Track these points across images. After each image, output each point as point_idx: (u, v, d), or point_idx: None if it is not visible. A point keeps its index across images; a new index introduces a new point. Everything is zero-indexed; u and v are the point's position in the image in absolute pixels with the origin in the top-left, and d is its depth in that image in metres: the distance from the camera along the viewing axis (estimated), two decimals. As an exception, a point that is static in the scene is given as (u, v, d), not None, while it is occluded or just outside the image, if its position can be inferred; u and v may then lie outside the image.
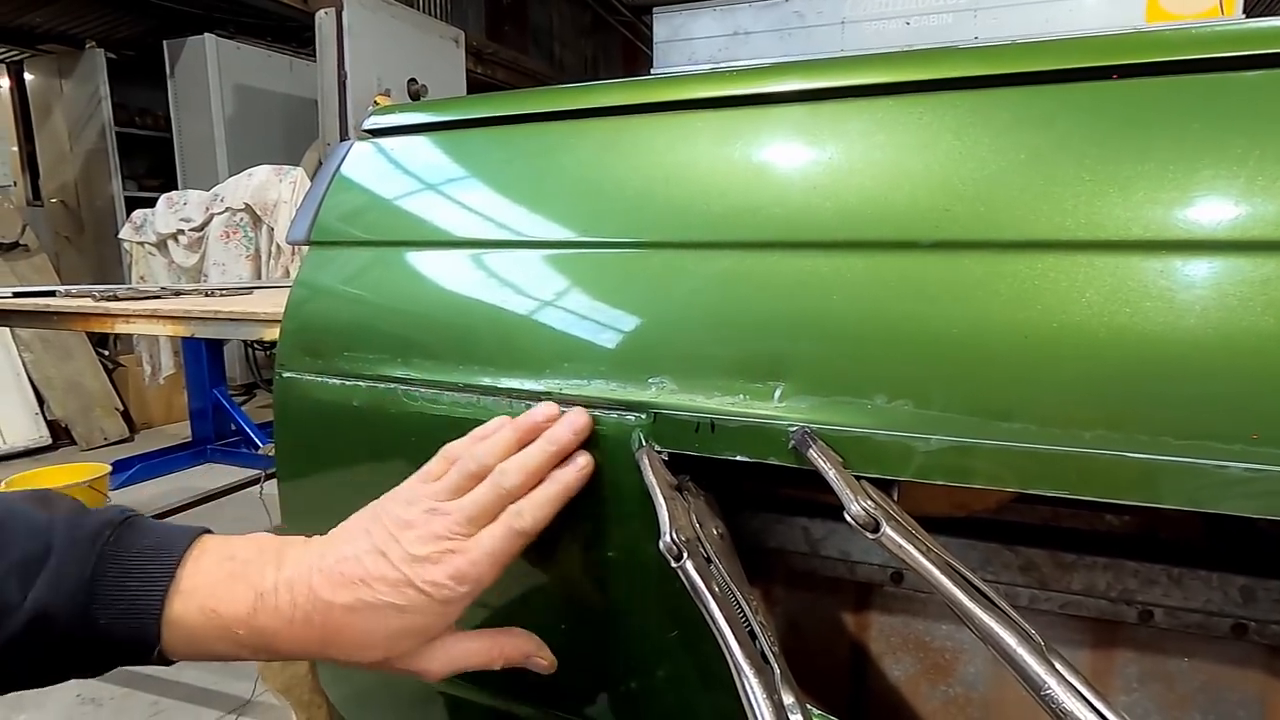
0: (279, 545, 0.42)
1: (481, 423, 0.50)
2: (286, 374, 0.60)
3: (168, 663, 0.39)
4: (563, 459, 0.45)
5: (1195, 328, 0.35)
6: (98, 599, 0.37)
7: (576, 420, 0.46)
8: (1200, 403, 0.35)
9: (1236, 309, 0.34)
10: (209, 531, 0.42)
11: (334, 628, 0.39)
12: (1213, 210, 0.36)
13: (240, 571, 0.39)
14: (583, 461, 0.45)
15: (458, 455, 0.46)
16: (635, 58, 8.17)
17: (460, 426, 0.51)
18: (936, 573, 0.32)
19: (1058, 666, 0.29)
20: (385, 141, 0.63)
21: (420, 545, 0.40)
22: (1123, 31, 0.41)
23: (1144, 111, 0.39)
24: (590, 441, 0.47)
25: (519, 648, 0.46)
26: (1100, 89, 0.40)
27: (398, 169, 0.61)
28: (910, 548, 0.33)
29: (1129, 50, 0.40)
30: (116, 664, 0.39)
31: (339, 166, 0.63)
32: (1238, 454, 0.33)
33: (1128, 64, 0.39)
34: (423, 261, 0.57)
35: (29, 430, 3.75)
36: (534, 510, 0.43)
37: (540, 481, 0.44)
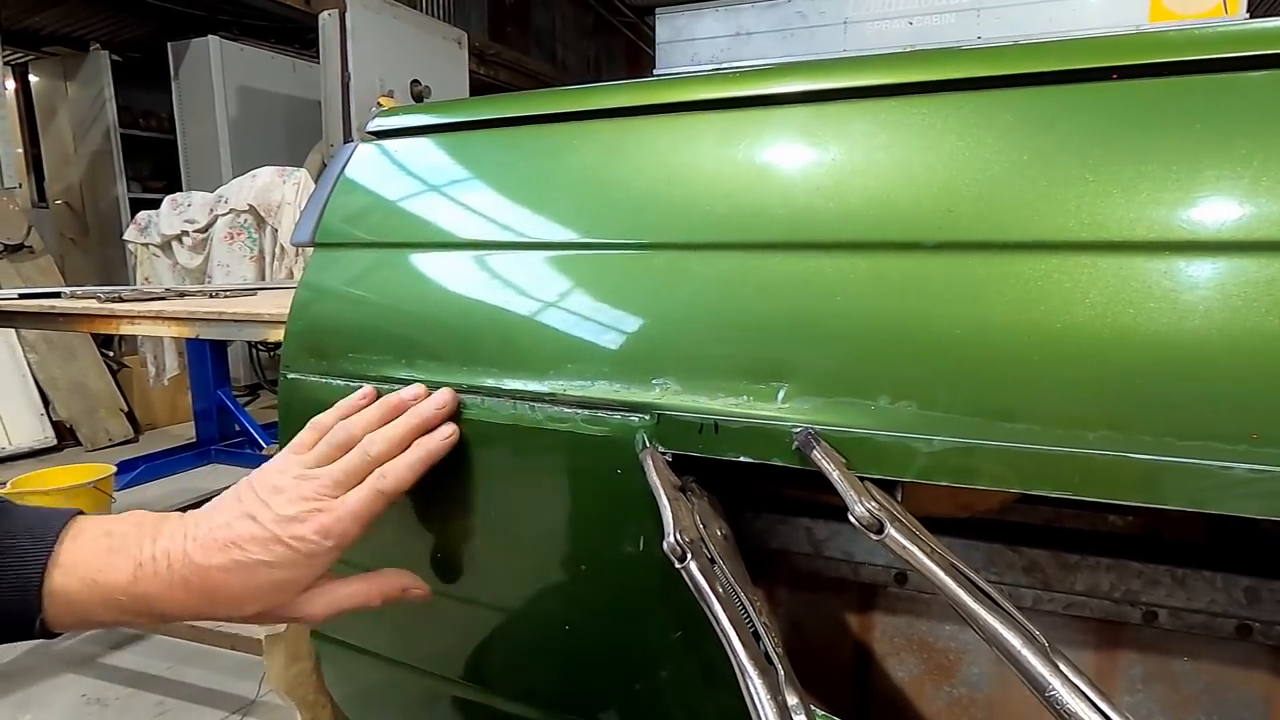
0: (156, 520, 0.45)
1: (488, 424, 0.50)
2: (291, 375, 0.60)
3: (50, 635, 0.41)
4: (428, 430, 0.49)
5: (1199, 329, 0.35)
6: None
7: (440, 397, 0.50)
8: (1204, 404, 0.35)
9: (1240, 310, 0.34)
10: (82, 513, 0.44)
11: (210, 588, 0.42)
12: (1216, 211, 0.36)
13: (119, 545, 0.42)
14: (446, 431, 0.49)
15: (326, 427, 0.50)
16: (638, 58, 8.18)
17: (465, 428, 0.51)
18: (940, 574, 0.32)
19: (1062, 668, 0.29)
20: (389, 143, 0.63)
21: (289, 506, 0.44)
22: (1125, 32, 0.41)
23: (1147, 112, 0.39)
24: (593, 442, 0.47)
25: (393, 583, 0.49)
26: (1103, 89, 0.40)
27: (402, 171, 0.61)
28: (914, 549, 0.33)
29: (1132, 51, 0.40)
30: None
31: (343, 168, 0.63)
32: (1242, 455, 0.33)
33: (1131, 64, 0.39)
34: (427, 263, 0.57)
35: (34, 431, 3.76)
36: (397, 473, 0.47)
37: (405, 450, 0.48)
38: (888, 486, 0.40)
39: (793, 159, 0.47)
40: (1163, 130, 0.38)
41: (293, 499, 0.45)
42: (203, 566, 0.42)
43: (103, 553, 0.42)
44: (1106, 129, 0.39)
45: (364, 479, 0.46)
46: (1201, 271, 0.36)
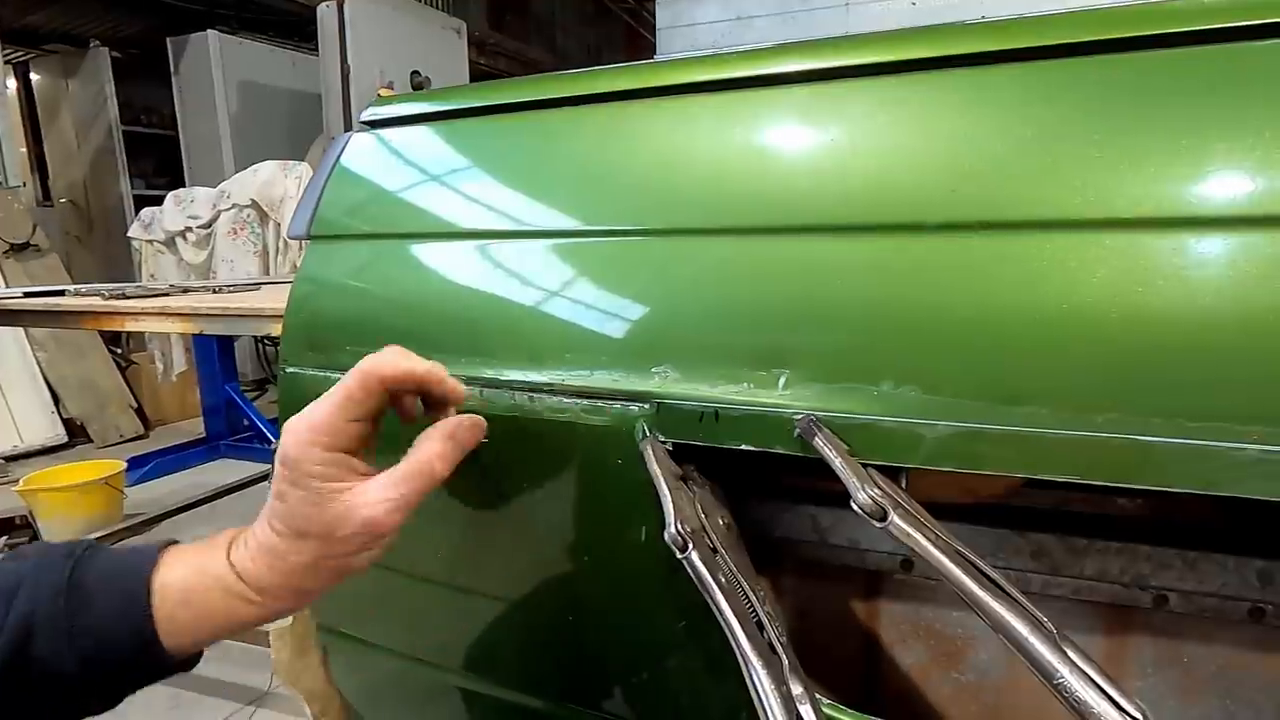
0: (241, 528, 0.44)
1: (487, 416, 0.50)
2: (290, 369, 0.60)
3: (169, 655, 0.40)
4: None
5: (1209, 307, 0.34)
6: (80, 595, 0.39)
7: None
8: (1215, 384, 0.34)
9: (1252, 287, 0.33)
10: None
11: (277, 557, 0.41)
12: (1228, 185, 0.35)
13: (214, 541, 0.43)
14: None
15: None
16: (638, 45, 8.11)
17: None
18: (946, 561, 0.32)
19: (1071, 654, 0.28)
20: (385, 133, 0.62)
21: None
22: (1133, 2, 0.40)
23: (1155, 85, 0.38)
24: (593, 432, 0.47)
25: (437, 438, 0.44)
26: (1110, 62, 0.39)
27: (397, 160, 0.61)
28: (919, 536, 0.33)
29: (1140, 22, 0.39)
30: (115, 666, 0.39)
31: (338, 159, 0.62)
32: (1253, 436, 0.33)
33: (1138, 36, 0.38)
34: (424, 254, 0.56)
35: (45, 428, 3.79)
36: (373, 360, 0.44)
37: None
38: (892, 473, 0.40)
39: (791, 141, 0.46)
40: (1171, 103, 0.37)
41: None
42: (259, 536, 0.42)
43: (201, 550, 0.42)
44: (1113, 103, 0.38)
45: None
46: (1212, 248, 0.35)
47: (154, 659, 0.40)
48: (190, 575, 0.41)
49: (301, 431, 0.41)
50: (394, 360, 0.43)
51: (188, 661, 0.42)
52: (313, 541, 0.41)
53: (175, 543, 0.43)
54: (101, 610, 0.39)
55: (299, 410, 0.61)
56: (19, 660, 0.37)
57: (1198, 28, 0.37)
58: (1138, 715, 0.26)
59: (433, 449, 0.43)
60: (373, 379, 0.42)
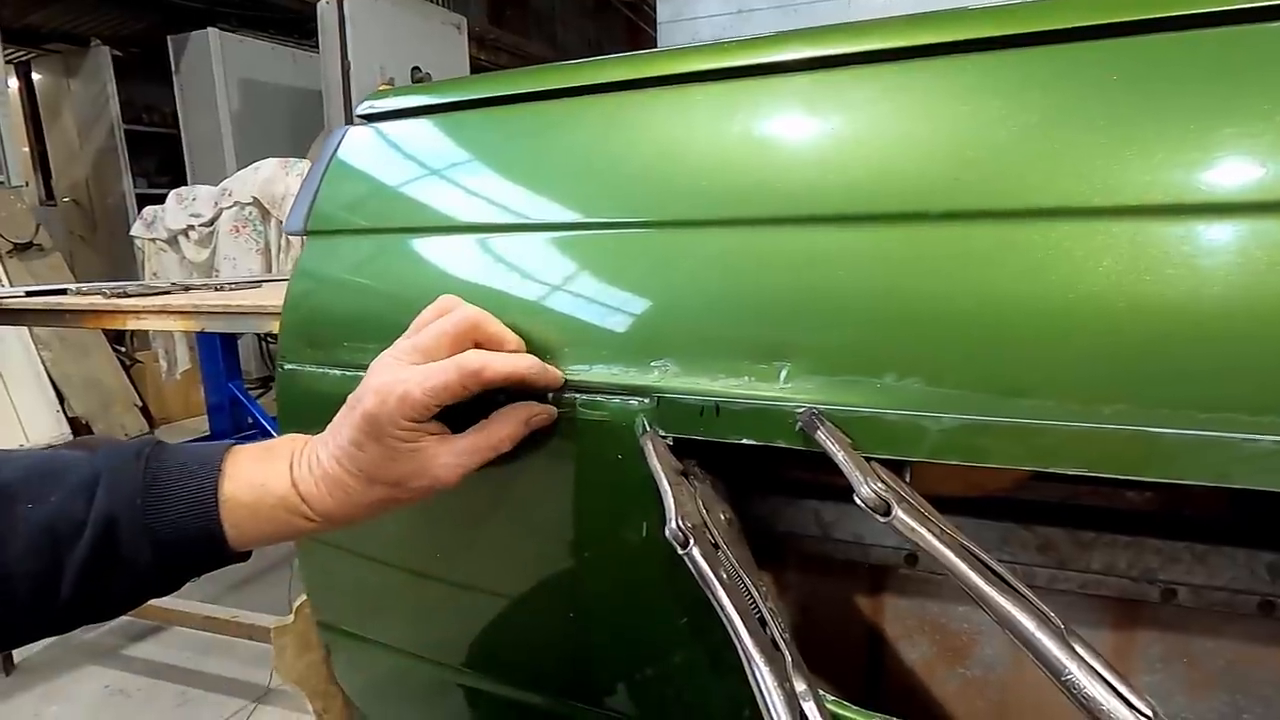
0: (305, 437, 0.47)
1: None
2: (288, 366, 0.60)
3: (237, 556, 0.44)
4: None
5: (1219, 295, 0.33)
6: (155, 496, 0.42)
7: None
8: (1226, 374, 0.33)
9: (1263, 274, 0.33)
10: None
11: (339, 486, 0.44)
12: (1235, 171, 0.34)
13: (276, 454, 0.46)
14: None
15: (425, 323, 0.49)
16: (638, 39, 8.08)
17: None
18: (951, 556, 0.31)
19: (1079, 650, 0.28)
20: (382, 126, 0.62)
21: (366, 380, 0.45)
22: (1140, -14, 0.39)
23: (1162, 68, 0.37)
24: (592, 427, 0.46)
25: (515, 422, 0.46)
26: (1115, 46, 0.38)
27: (395, 153, 0.60)
28: (923, 530, 0.32)
29: (1144, 5, 0.38)
30: (186, 561, 0.43)
31: (334, 153, 0.62)
32: (1266, 426, 0.32)
33: (1144, 19, 0.38)
34: (421, 248, 0.56)
35: (51, 427, 3.79)
36: (483, 359, 0.45)
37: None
38: (895, 466, 0.39)
39: (791, 130, 0.45)
40: (1178, 88, 0.36)
41: (373, 370, 0.45)
42: (326, 467, 0.44)
43: (263, 462, 0.45)
44: (1119, 88, 0.37)
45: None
46: (1221, 235, 0.34)
47: (219, 554, 0.43)
48: (255, 493, 0.43)
49: (392, 402, 0.42)
50: (501, 363, 0.44)
51: (245, 554, 0.45)
52: (381, 487, 0.44)
53: (234, 444, 0.46)
54: (175, 512, 0.42)
55: (297, 410, 0.61)
56: (104, 551, 0.40)
57: (1203, 10, 0.36)
58: (1147, 711, 0.26)
59: (506, 430, 0.46)
60: (474, 381, 0.43)
